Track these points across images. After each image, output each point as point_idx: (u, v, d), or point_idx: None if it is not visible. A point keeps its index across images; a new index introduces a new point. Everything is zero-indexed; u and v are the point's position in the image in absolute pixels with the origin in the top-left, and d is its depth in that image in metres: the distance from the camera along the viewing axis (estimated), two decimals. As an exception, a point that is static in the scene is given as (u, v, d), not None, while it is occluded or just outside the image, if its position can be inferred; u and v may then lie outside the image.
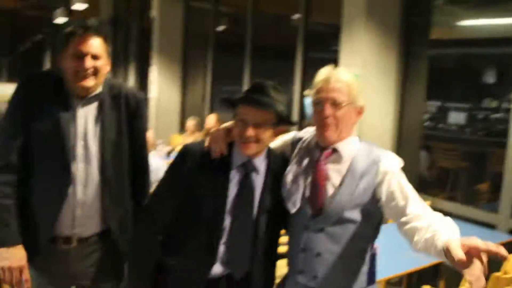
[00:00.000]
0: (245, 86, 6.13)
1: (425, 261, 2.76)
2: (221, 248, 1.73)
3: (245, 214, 1.73)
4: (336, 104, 1.65)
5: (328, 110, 1.65)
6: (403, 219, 1.58)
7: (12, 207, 1.77)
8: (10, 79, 12.09)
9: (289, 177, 1.73)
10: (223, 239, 1.73)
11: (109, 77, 1.94)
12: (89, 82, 1.80)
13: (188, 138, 6.02)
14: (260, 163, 1.76)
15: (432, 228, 1.45)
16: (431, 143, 6.49)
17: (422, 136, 4.87)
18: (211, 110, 7.19)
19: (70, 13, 10.91)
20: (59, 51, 1.84)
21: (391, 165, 1.68)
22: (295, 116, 5.16)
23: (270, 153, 1.79)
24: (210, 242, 1.72)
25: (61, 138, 1.79)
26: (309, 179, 1.70)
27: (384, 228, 1.80)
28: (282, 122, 1.72)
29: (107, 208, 1.89)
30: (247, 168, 1.73)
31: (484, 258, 1.25)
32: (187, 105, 7.96)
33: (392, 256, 2.64)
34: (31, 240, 1.80)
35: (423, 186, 4.66)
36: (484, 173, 4.84)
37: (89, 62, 1.77)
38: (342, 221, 1.65)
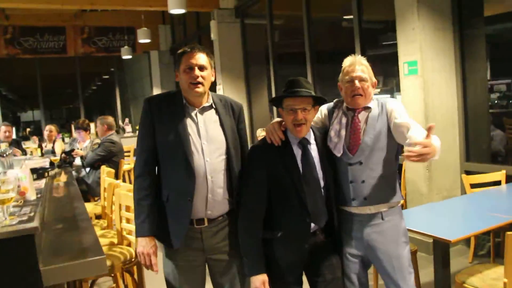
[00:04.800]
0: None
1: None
2: (309, 206, 2.22)
3: (313, 174, 2.27)
4: (362, 80, 2.35)
5: (358, 84, 2.34)
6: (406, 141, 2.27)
7: (147, 207, 2.24)
8: (86, 116, 13.09)
9: (332, 133, 2.38)
10: (308, 199, 2.22)
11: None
12: (200, 88, 2.24)
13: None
14: (309, 136, 2.32)
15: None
16: (504, 120, 6.46)
17: (492, 114, 4.90)
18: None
19: (134, 49, 11.77)
20: (175, 69, 2.32)
21: (393, 105, 2.39)
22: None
23: (312, 127, 2.36)
24: (302, 204, 2.21)
25: (184, 141, 2.22)
26: (348, 131, 2.38)
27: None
28: (318, 103, 2.30)
29: (232, 192, 2.31)
30: (303, 143, 2.28)
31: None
32: (255, 118, 8.33)
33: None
34: (173, 227, 2.24)
35: (496, 160, 4.76)
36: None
37: (197, 72, 2.22)
38: (373, 151, 2.34)
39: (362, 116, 2.41)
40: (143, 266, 2.32)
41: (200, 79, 2.22)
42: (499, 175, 4.10)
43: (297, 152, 2.26)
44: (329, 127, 2.43)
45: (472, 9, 4.54)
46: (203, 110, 2.31)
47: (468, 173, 4.33)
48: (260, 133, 6.58)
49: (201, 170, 2.22)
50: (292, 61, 8.01)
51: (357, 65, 2.37)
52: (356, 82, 2.34)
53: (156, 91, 12.21)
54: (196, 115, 2.28)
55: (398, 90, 5.36)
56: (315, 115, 2.38)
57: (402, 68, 4.54)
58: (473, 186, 4.05)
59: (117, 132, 9.26)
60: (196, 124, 2.27)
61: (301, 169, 2.24)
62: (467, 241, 4.30)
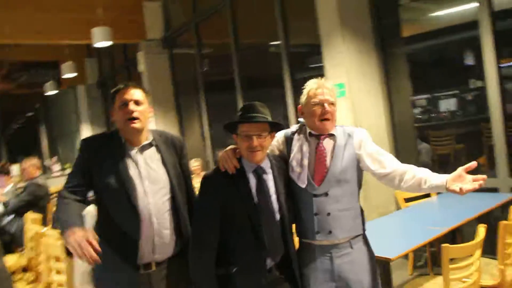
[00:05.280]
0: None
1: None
2: (265, 239, 2.09)
3: (269, 205, 2.15)
4: (331, 103, 2.26)
5: (328, 107, 2.24)
6: (383, 171, 2.24)
7: (69, 206, 2.06)
8: (10, 158, 12.40)
9: (294, 163, 2.26)
10: (264, 231, 2.10)
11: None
12: (137, 124, 2.15)
13: (196, 179, 6.25)
14: (266, 165, 2.20)
15: (418, 174, 2.15)
16: (428, 133, 6.78)
17: (417, 128, 5.11)
18: (213, 149, 7.46)
19: (59, 84, 11.36)
20: (109, 108, 2.24)
21: (361, 135, 2.32)
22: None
23: (268, 155, 2.25)
24: (257, 236, 2.09)
25: (126, 183, 2.11)
26: (312, 160, 2.25)
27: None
28: (274, 129, 2.20)
29: (183, 234, 2.21)
30: (259, 172, 2.16)
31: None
32: (189, 148, 8.19)
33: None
34: (117, 274, 2.09)
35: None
36: (480, 148, 5.15)
37: (132, 106, 2.14)
38: (339, 182, 2.24)
39: (327, 143, 2.29)
40: (82, 259, 1.85)
41: (136, 114, 2.13)
42: (430, 187, 4.27)
43: (252, 182, 2.15)
44: (287, 154, 2.32)
45: (390, 30, 4.77)
46: (143, 148, 2.22)
47: (400, 188, 4.45)
48: (194, 164, 6.49)
49: (146, 212, 2.11)
50: (223, 88, 8.04)
51: (325, 88, 2.27)
52: (326, 105, 2.23)
53: (85, 126, 11.81)
54: (136, 154, 2.18)
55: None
56: (272, 141, 2.26)
57: (331, 91, 4.64)
58: (407, 200, 4.18)
59: (44, 172, 8.80)
60: (137, 164, 2.17)
61: (256, 199, 2.12)
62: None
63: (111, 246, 2.10)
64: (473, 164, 2.03)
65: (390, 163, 2.25)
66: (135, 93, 2.17)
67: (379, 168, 2.26)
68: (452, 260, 2.54)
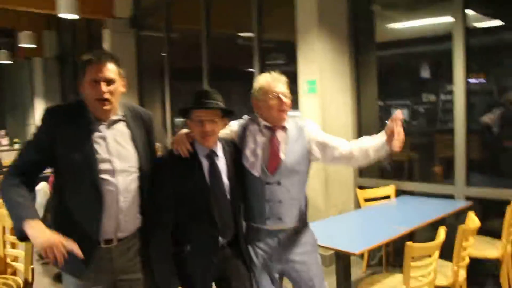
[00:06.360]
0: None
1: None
2: (217, 219, 2.21)
3: (220, 187, 2.26)
4: (286, 96, 2.38)
5: (285, 99, 2.37)
6: (337, 154, 2.43)
7: (24, 202, 1.93)
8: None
9: (248, 152, 2.38)
10: (216, 212, 2.20)
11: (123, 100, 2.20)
12: (107, 106, 2.03)
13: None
14: (218, 149, 2.30)
15: (362, 146, 2.41)
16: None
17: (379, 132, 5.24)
18: (173, 135, 7.37)
19: (13, 54, 10.84)
20: (79, 77, 2.07)
21: (311, 127, 2.48)
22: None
23: (220, 140, 2.34)
24: (210, 216, 2.19)
25: (90, 160, 2.00)
26: (266, 150, 2.38)
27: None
28: (226, 115, 2.29)
29: (142, 211, 2.16)
30: (211, 156, 2.26)
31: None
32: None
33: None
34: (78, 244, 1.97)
35: (385, 176, 5.12)
36: (432, 158, 5.35)
37: (104, 87, 2.01)
38: (292, 173, 2.38)
39: (280, 135, 2.43)
40: (47, 260, 1.83)
41: (107, 95, 2.01)
42: (389, 189, 4.41)
43: (205, 164, 2.23)
44: (240, 144, 2.42)
45: (365, 35, 4.88)
46: (112, 123, 2.11)
47: (361, 188, 4.57)
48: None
49: (112, 191, 2.03)
50: (188, 76, 7.93)
51: (280, 81, 2.41)
52: (283, 97, 2.37)
53: (39, 101, 11.34)
54: (104, 129, 2.07)
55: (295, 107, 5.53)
56: (223, 127, 2.35)
57: (302, 86, 4.70)
58: (366, 200, 4.30)
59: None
60: (105, 140, 2.06)
61: (208, 181, 2.22)
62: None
63: (70, 223, 2.01)
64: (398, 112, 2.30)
65: (341, 147, 2.44)
66: (108, 70, 2.02)
67: (332, 154, 2.45)
68: (411, 259, 2.63)
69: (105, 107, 2.03)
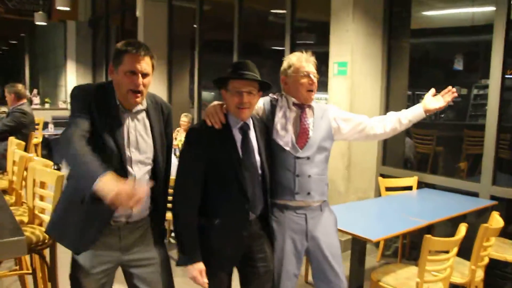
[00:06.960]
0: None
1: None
2: (248, 193, 2.16)
3: (252, 160, 2.21)
4: (315, 76, 2.42)
5: (315, 79, 2.41)
6: (362, 127, 2.55)
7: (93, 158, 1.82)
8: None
9: (278, 126, 2.38)
10: (247, 185, 2.15)
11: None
12: (139, 98, 2.03)
13: (183, 134, 6.20)
14: (250, 122, 2.26)
15: (394, 115, 2.60)
16: (411, 129, 6.86)
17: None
18: (199, 107, 7.40)
19: (50, 16, 10.97)
20: (112, 63, 2.03)
21: (334, 108, 2.58)
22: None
23: (251, 116, 2.29)
24: (241, 190, 2.14)
25: (114, 146, 2.00)
26: (296, 125, 2.43)
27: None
28: (263, 88, 2.23)
29: (157, 199, 2.17)
30: (244, 128, 2.21)
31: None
32: (174, 103, 8.02)
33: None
34: (84, 230, 2.01)
35: (406, 166, 5.04)
36: (459, 153, 5.24)
37: (140, 80, 2.00)
38: (319, 149, 2.44)
39: (307, 113, 2.48)
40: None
41: (141, 88, 2.01)
42: (411, 180, 4.33)
43: (237, 137, 2.19)
44: (268, 120, 2.41)
45: (401, 20, 4.74)
46: (136, 113, 2.11)
47: (383, 176, 4.52)
48: (183, 119, 6.43)
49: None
50: (218, 49, 7.89)
51: (311, 62, 2.43)
52: (312, 76, 2.40)
53: (70, 64, 11.49)
54: (127, 118, 2.08)
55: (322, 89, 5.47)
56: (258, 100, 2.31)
57: (332, 68, 4.62)
58: (387, 189, 4.24)
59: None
60: (128, 129, 2.07)
61: (240, 154, 2.17)
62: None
63: (84, 203, 1.98)
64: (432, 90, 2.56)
65: (366, 119, 2.57)
66: (146, 63, 2.02)
67: (359, 125, 2.54)
68: (429, 253, 2.59)
69: (137, 99, 2.04)
